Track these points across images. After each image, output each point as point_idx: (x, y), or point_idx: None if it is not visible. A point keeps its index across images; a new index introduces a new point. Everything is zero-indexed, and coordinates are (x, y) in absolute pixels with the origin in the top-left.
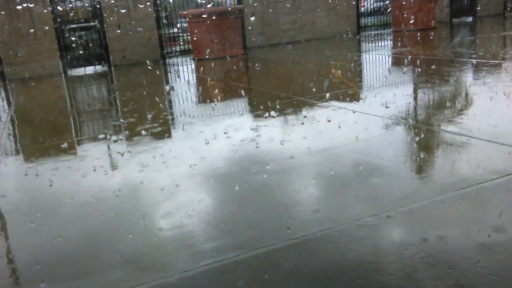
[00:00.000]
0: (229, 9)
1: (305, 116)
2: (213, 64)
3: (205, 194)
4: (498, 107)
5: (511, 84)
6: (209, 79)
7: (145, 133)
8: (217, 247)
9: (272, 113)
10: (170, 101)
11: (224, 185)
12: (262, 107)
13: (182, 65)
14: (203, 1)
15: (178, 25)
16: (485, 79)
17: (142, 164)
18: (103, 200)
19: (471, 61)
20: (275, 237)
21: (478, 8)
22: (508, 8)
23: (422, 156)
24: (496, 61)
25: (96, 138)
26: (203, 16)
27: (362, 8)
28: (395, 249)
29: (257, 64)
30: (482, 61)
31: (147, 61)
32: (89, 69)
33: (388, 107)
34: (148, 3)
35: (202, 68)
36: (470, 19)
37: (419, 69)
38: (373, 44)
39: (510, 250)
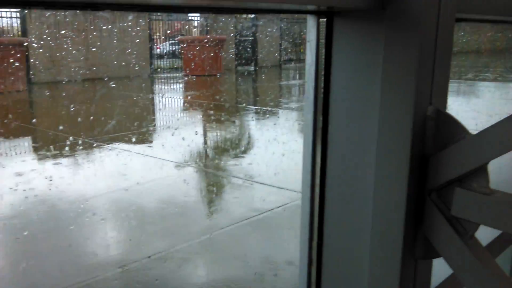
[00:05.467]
0: (8, 40)
1: (86, 157)
2: None
3: None
4: (280, 152)
5: (285, 130)
6: None
7: None
8: None
9: (48, 155)
10: None
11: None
12: (39, 148)
13: None
14: None
15: None
16: (266, 125)
17: None
18: None
19: (253, 107)
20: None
21: (258, 58)
22: (283, 60)
23: (195, 198)
24: (274, 109)
25: None
26: None
27: (158, 50)
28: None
29: (39, 101)
30: (263, 108)
31: None
32: None
33: (175, 150)
34: None
35: None
36: (252, 68)
37: (204, 114)
38: (164, 87)
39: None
